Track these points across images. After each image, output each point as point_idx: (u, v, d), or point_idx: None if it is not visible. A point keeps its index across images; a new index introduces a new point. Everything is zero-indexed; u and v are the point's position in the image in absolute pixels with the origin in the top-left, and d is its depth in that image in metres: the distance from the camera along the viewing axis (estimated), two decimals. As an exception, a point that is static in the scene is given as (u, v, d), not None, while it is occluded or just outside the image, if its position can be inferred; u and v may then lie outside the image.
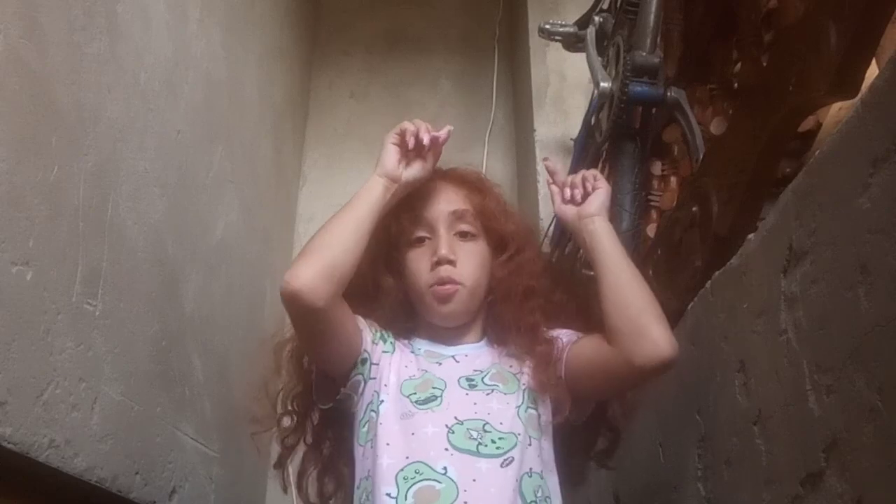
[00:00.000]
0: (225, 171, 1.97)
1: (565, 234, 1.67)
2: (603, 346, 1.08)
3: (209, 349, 1.81)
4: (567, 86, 2.54)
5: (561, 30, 2.27)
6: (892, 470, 0.73)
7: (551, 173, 1.24)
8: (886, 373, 0.74)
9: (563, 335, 1.16)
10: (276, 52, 2.55)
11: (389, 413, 1.09)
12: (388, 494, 1.02)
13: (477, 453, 1.05)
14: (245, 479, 2.09)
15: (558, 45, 2.33)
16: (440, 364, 1.15)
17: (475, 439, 1.06)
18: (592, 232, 1.15)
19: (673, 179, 1.72)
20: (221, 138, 1.95)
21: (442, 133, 1.14)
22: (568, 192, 1.20)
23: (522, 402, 1.11)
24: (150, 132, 1.51)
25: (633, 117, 1.76)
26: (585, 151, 2.01)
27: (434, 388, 1.11)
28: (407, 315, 1.21)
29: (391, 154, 1.13)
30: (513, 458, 1.05)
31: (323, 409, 1.19)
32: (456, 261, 1.16)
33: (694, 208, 1.31)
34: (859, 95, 0.90)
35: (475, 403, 1.10)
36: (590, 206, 1.17)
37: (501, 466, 1.04)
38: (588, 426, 1.20)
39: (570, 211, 1.19)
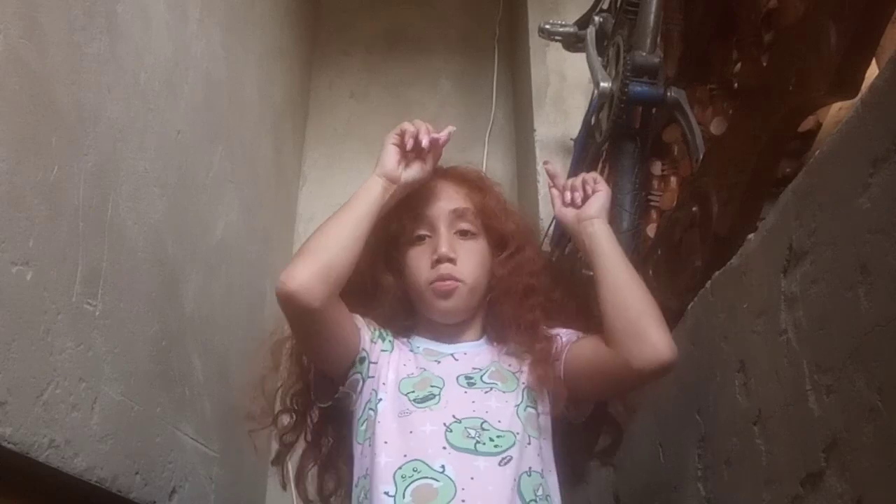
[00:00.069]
0: (225, 171, 1.97)
1: (565, 235, 1.67)
2: (602, 347, 1.08)
3: (209, 349, 1.81)
4: (567, 86, 2.54)
5: (561, 30, 2.27)
6: (892, 470, 0.73)
7: (552, 176, 1.25)
8: (886, 373, 0.74)
9: (563, 334, 1.16)
10: (276, 52, 2.55)
11: (387, 411, 1.09)
12: (387, 493, 1.02)
13: (475, 451, 1.05)
14: (245, 479, 2.09)
15: (558, 45, 2.33)
16: (439, 362, 1.15)
17: (473, 438, 1.06)
18: (592, 234, 1.15)
19: (673, 179, 1.71)
20: (221, 138, 1.95)
21: (442, 135, 1.14)
22: (568, 195, 1.20)
23: (522, 401, 1.11)
24: (150, 132, 1.51)
25: (633, 117, 1.75)
26: (585, 151, 2.01)
27: (432, 386, 1.11)
28: (406, 313, 1.21)
29: (391, 154, 1.13)
30: (511, 457, 1.05)
31: (322, 408, 1.19)
32: (456, 259, 1.16)
33: (694, 208, 1.31)
34: (859, 95, 0.90)
35: (473, 402, 1.10)
36: (589, 209, 1.17)
37: (499, 465, 1.04)
38: (589, 424, 1.20)
39: (569, 213, 1.20)
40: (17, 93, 1.08)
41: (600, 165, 1.93)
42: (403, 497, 1.02)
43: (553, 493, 1.09)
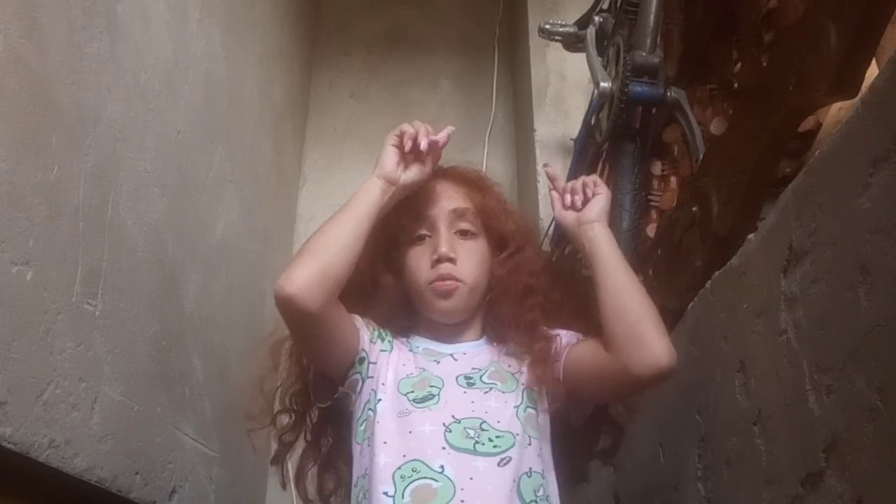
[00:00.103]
0: (225, 171, 1.97)
1: (565, 235, 1.67)
2: (601, 351, 1.08)
3: (209, 349, 1.81)
4: (567, 86, 2.54)
5: (561, 30, 2.27)
6: (892, 470, 0.73)
7: (552, 179, 1.24)
8: (886, 373, 0.74)
9: (563, 335, 1.16)
10: (276, 52, 2.55)
11: (387, 411, 1.09)
12: (386, 493, 1.02)
13: (474, 452, 1.05)
14: (245, 479, 2.09)
15: (558, 45, 2.33)
16: (438, 362, 1.15)
17: (472, 438, 1.06)
18: (592, 238, 1.14)
19: (673, 179, 1.71)
20: (221, 138, 1.95)
21: (441, 137, 1.14)
22: (568, 198, 1.20)
23: (521, 402, 1.11)
24: (150, 132, 1.51)
25: (633, 117, 1.75)
26: (585, 151, 2.01)
27: (432, 386, 1.11)
28: (406, 313, 1.21)
29: (390, 156, 1.13)
30: (510, 458, 1.05)
31: (321, 408, 1.19)
32: (456, 258, 1.16)
33: (694, 208, 1.31)
34: (859, 95, 0.90)
35: (473, 402, 1.10)
36: (589, 212, 1.17)
37: (499, 465, 1.04)
38: (590, 425, 1.20)
39: (569, 217, 1.19)
40: (17, 93, 1.08)
41: (600, 165, 1.93)
42: (402, 497, 1.02)
43: (552, 493, 1.09)
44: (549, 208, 1.92)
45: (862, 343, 0.78)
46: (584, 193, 1.19)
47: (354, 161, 2.79)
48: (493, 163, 2.86)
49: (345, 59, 3.14)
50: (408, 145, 1.12)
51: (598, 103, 1.83)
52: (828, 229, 0.87)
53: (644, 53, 1.68)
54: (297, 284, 1.02)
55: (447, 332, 1.19)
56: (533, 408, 1.12)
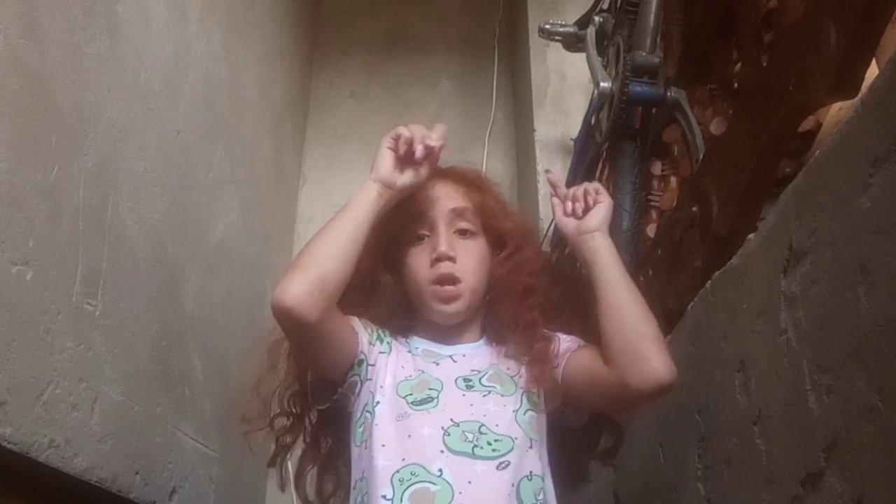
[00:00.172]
0: (225, 171, 1.97)
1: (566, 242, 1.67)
2: (600, 363, 1.07)
3: (209, 349, 1.81)
4: (567, 86, 2.54)
5: (561, 30, 2.27)
6: (892, 470, 0.73)
7: (553, 185, 1.23)
8: (886, 373, 0.74)
9: (563, 340, 1.15)
10: (276, 52, 2.55)
11: (385, 414, 1.08)
12: (384, 496, 1.02)
13: (472, 455, 1.04)
14: (245, 479, 2.09)
15: (558, 45, 2.33)
16: (437, 364, 1.15)
17: (471, 441, 1.05)
18: (592, 249, 1.13)
19: (673, 179, 1.71)
20: (221, 138, 1.95)
21: (436, 143, 1.12)
22: (569, 205, 1.19)
23: (521, 406, 1.11)
24: (150, 132, 1.51)
25: (633, 117, 1.75)
26: (585, 151, 2.01)
27: (430, 388, 1.11)
28: (405, 313, 1.21)
29: (386, 159, 1.12)
30: (509, 462, 1.04)
31: (320, 410, 1.19)
32: (456, 257, 1.15)
33: (694, 208, 1.31)
34: (859, 95, 0.90)
35: (472, 405, 1.09)
36: (590, 221, 1.16)
37: (497, 469, 1.04)
38: (590, 426, 1.20)
39: (570, 224, 1.18)
40: (17, 93, 1.08)
41: (600, 165, 1.93)
42: (401, 501, 1.01)
43: (550, 496, 1.09)
44: (549, 209, 1.92)
45: (862, 343, 0.78)
46: (586, 201, 1.18)
47: (354, 161, 2.79)
48: (493, 163, 2.86)
49: (345, 59, 3.14)
50: (402, 149, 1.12)
51: (598, 103, 1.83)
52: (828, 229, 0.87)
53: (644, 53, 1.68)
54: (295, 295, 1.01)
55: (447, 332, 1.19)
56: (533, 410, 1.11)
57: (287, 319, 1.02)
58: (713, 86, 1.59)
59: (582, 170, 2.00)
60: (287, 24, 2.70)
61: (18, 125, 1.08)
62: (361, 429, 1.10)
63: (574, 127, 2.25)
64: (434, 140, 1.12)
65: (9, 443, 1.04)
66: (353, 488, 1.09)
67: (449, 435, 1.06)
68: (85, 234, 1.24)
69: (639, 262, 1.57)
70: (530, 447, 1.08)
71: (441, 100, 3.05)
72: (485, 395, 1.11)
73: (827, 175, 0.88)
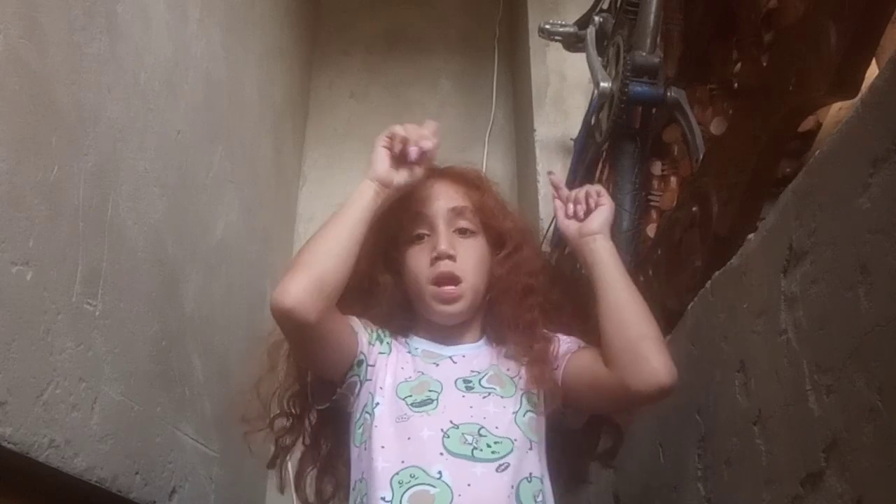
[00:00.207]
0: (225, 171, 1.97)
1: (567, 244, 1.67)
2: (600, 365, 1.07)
3: (209, 349, 1.81)
4: (567, 86, 2.54)
5: (561, 30, 2.27)
6: (892, 470, 0.73)
7: (556, 187, 1.23)
8: (886, 373, 0.74)
9: (563, 341, 1.15)
10: (276, 52, 2.55)
11: (384, 415, 1.08)
12: (384, 498, 1.02)
13: (472, 458, 1.04)
14: (245, 479, 2.09)
15: (558, 45, 2.33)
16: (437, 365, 1.15)
17: (470, 444, 1.05)
18: (593, 251, 1.13)
19: (673, 179, 1.71)
20: (221, 138, 1.95)
21: (428, 145, 1.11)
22: (571, 207, 1.19)
23: (520, 407, 1.11)
24: (150, 132, 1.51)
25: (633, 117, 1.75)
26: (585, 151, 2.01)
27: (430, 390, 1.11)
28: (405, 313, 1.21)
29: (382, 158, 1.12)
30: (509, 464, 1.04)
31: (320, 411, 1.19)
32: (456, 256, 1.15)
33: (694, 208, 1.31)
34: (859, 95, 0.90)
35: (471, 407, 1.09)
36: (591, 224, 1.16)
37: (497, 471, 1.04)
38: (590, 427, 1.20)
39: (572, 227, 1.18)
40: (17, 93, 1.08)
41: (600, 165, 1.93)
42: (400, 503, 1.02)
43: (549, 497, 1.09)
44: (549, 208, 1.92)
45: (862, 343, 0.78)
46: (587, 203, 1.18)
47: (354, 161, 2.78)
48: (493, 163, 2.86)
49: (345, 59, 3.14)
50: (397, 148, 1.11)
51: (598, 103, 1.83)
52: (828, 229, 0.87)
53: (644, 53, 1.68)
54: (294, 297, 1.00)
55: (447, 333, 1.19)
56: (533, 412, 1.11)
57: (287, 320, 1.02)
58: (713, 86, 1.59)
59: (582, 170, 2.00)
60: (287, 24, 2.70)
61: (18, 125, 1.08)
62: (361, 429, 1.10)
63: (574, 127, 2.25)
64: (428, 142, 1.12)
65: (9, 443, 1.04)
66: (353, 489, 1.09)
67: (448, 437, 1.06)
68: (85, 234, 1.24)
69: (639, 262, 1.57)
70: (530, 449, 1.08)
71: (441, 100, 3.05)
72: (484, 397, 1.11)
73: (827, 175, 0.88)
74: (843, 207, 0.83)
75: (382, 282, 1.19)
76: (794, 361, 0.91)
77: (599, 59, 1.91)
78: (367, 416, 1.09)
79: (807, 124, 1.23)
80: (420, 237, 1.18)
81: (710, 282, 1.19)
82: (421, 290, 1.17)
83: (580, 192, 1.19)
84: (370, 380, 1.12)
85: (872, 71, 0.96)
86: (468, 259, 1.17)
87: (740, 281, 1.09)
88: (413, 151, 1.11)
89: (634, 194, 1.71)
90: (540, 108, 2.53)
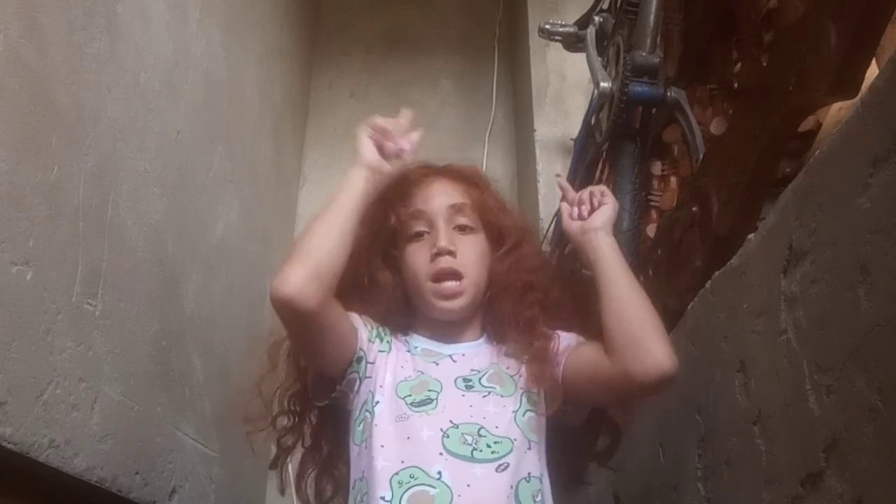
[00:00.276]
0: (225, 171, 1.97)
1: (565, 236, 1.67)
2: (602, 357, 1.07)
3: (209, 349, 1.81)
4: (567, 86, 2.54)
5: (561, 30, 2.27)
6: (892, 470, 0.73)
7: (563, 190, 1.25)
8: (886, 373, 0.74)
9: (563, 337, 1.15)
10: (276, 52, 2.55)
11: (384, 414, 1.08)
12: (383, 498, 1.02)
13: (472, 458, 1.04)
14: (245, 479, 2.09)
15: (558, 45, 2.33)
16: (437, 364, 1.15)
17: (470, 444, 1.05)
18: (596, 247, 1.14)
19: (673, 179, 1.71)
20: (221, 138, 1.95)
21: (407, 144, 1.14)
22: (576, 210, 1.20)
23: (520, 407, 1.11)
24: (150, 132, 1.51)
25: (633, 117, 1.75)
26: (585, 151, 2.01)
27: (430, 390, 1.11)
28: (404, 311, 1.21)
29: (370, 146, 1.13)
30: (508, 464, 1.04)
31: (321, 409, 1.19)
32: (456, 252, 1.16)
33: (694, 208, 1.31)
34: (859, 95, 0.90)
35: (471, 406, 1.09)
36: (594, 221, 1.17)
37: (497, 471, 1.04)
38: (588, 426, 1.20)
39: (575, 226, 1.19)
40: (17, 93, 1.08)
41: (600, 165, 1.93)
42: (400, 503, 1.02)
43: (548, 497, 1.09)
44: (549, 208, 1.92)
45: (862, 343, 0.78)
46: (591, 203, 1.19)
47: (354, 161, 2.78)
48: (493, 163, 2.86)
49: (345, 59, 3.14)
50: (378, 139, 1.14)
51: (598, 103, 1.83)
52: (828, 229, 0.87)
53: (644, 53, 1.68)
54: (293, 285, 1.01)
55: (447, 331, 1.19)
56: (532, 411, 1.11)
57: (287, 309, 1.03)
58: (713, 86, 1.59)
59: (582, 170, 2.00)
60: (287, 24, 2.70)
61: (18, 125, 1.08)
62: (361, 427, 1.10)
63: (574, 127, 2.25)
64: (407, 144, 1.14)
65: (9, 443, 1.04)
66: (352, 488, 1.09)
67: (448, 437, 1.06)
68: (85, 234, 1.24)
69: (639, 262, 1.57)
70: (529, 448, 1.08)
71: (441, 100, 3.05)
72: (484, 396, 1.11)
73: (827, 175, 0.88)
74: (843, 207, 0.83)
75: (382, 280, 1.19)
76: (794, 361, 0.91)
77: (599, 59, 1.91)
78: (368, 414, 1.10)
79: (807, 124, 1.23)
80: (419, 234, 1.19)
81: (710, 282, 1.19)
82: (421, 287, 1.17)
83: (584, 193, 1.21)
84: (370, 377, 1.12)
85: (872, 71, 0.96)
86: (468, 255, 1.17)
87: (740, 281, 1.09)
88: (393, 149, 1.13)
89: (634, 194, 1.71)
90: (540, 108, 2.53)
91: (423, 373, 1.13)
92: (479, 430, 1.07)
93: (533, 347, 1.13)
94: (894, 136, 0.75)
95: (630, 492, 1.47)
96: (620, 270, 1.12)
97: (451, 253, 1.15)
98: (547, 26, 2.30)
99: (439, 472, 1.03)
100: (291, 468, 1.23)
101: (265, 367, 1.18)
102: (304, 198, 2.89)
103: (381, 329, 1.17)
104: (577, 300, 1.20)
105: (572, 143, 2.19)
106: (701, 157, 1.48)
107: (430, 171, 1.22)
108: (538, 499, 1.06)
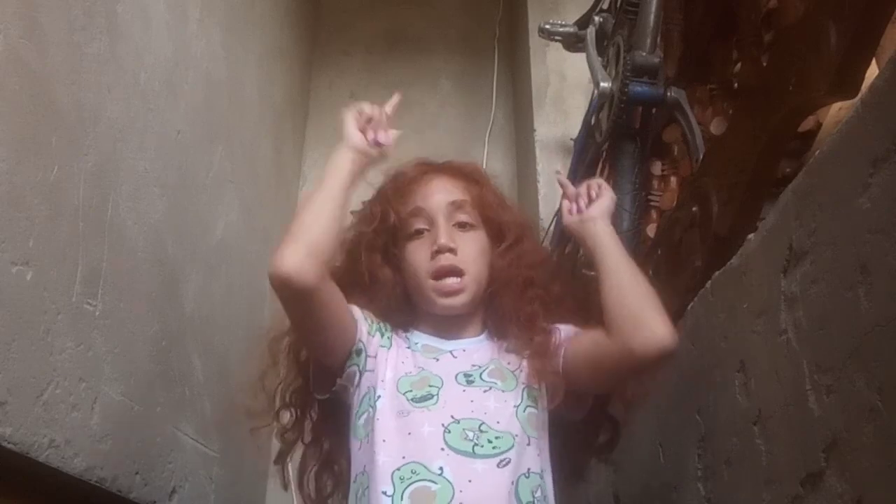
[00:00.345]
0: (225, 171, 1.97)
1: (566, 235, 1.67)
2: (602, 338, 1.08)
3: (209, 349, 1.81)
4: (567, 86, 2.54)
5: (561, 30, 2.27)
6: (892, 470, 0.73)
7: (563, 186, 1.26)
8: (886, 373, 0.74)
9: (563, 329, 1.16)
10: (276, 52, 2.55)
11: (386, 409, 1.09)
12: (385, 492, 1.03)
13: (473, 454, 1.05)
14: (245, 479, 2.09)
15: (558, 45, 2.33)
16: (437, 360, 1.15)
17: (471, 440, 1.06)
18: (594, 234, 1.15)
19: (673, 179, 1.72)
20: (221, 138, 1.95)
21: (385, 137, 1.15)
22: (575, 205, 1.21)
23: (521, 402, 1.11)
24: (150, 132, 1.51)
25: (633, 117, 1.76)
26: (585, 151, 2.01)
27: (431, 385, 1.11)
28: (405, 308, 1.21)
29: (356, 130, 1.15)
30: (509, 460, 1.05)
31: (322, 404, 1.19)
32: (457, 249, 1.16)
33: (694, 208, 1.31)
34: (859, 95, 0.90)
35: (472, 401, 1.09)
36: (592, 211, 1.18)
37: (498, 467, 1.04)
38: (589, 420, 1.20)
39: (574, 219, 1.20)
40: (17, 93, 1.08)
41: (600, 165, 1.93)
42: (401, 499, 1.02)
43: (549, 493, 1.09)
44: (549, 208, 1.92)
45: (862, 343, 0.78)
46: (589, 195, 1.20)
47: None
48: (493, 163, 2.86)
49: (345, 59, 3.14)
50: (362, 125, 1.14)
51: (598, 103, 1.83)
52: (828, 229, 0.87)
53: (644, 53, 1.68)
54: (290, 261, 1.03)
55: (448, 327, 1.19)
56: (533, 406, 1.12)
57: (286, 286, 1.04)
58: (713, 86, 1.59)
59: (582, 170, 2.00)
60: (287, 24, 2.70)
61: (18, 125, 1.08)
62: (363, 421, 1.10)
63: (574, 127, 2.25)
64: (385, 138, 1.15)
65: (9, 443, 1.04)
66: (354, 481, 1.09)
67: (449, 432, 1.06)
68: (85, 234, 1.24)
69: (639, 262, 1.56)
70: (528, 444, 1.08)
71: (441, 100, 3.05)
72: (485, 391, 1.11)
73: (827, 175, 0.88)
74: (843, 207, 0.83)
75: (382, 277, 1.19)
76: (794, 361, 0.91)
77: (599, 59, 1.91)
78: (370, 408, 1.10)
79: (807, 124, 1.23)
80: (419, 232, 1.19)
81: (710, 282, 1.19)
82: (421, 284, 1.17)
83: (581, 187, 1.22)
84: (371, 371, 1.12)
85: (872, 71, 0.96)
86: (469, 252, 1.17)
87: (740, 281, 1.09)
88: (372, 139, 1.14)
89: (634, 194, 1.71)
90: (540, 108, 2.53)
91: (423, 369, 1.13)
92: (481, 425, 1.07)
93: (533, 343, 1.14)
94: (894, 136, 0.75)
95: (630, 492, 1.47)
96: (620, 257, 1.13)
97: (452, 250, 1.16)
98: (547, 26, 2.30)
99: (441, 468, 1.03)
100: (292, 464, 1.23)
101: (266, 363, 1.18)
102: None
103: (381, 325, 1.17)
104: (577, 296, 1.21)
105: (572, 143, 2.19)
106: (701, 157, 1.48)
107: (430, 168, 1.22)
108: (538, 495, 1.06)
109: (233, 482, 1.96)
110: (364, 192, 1.27)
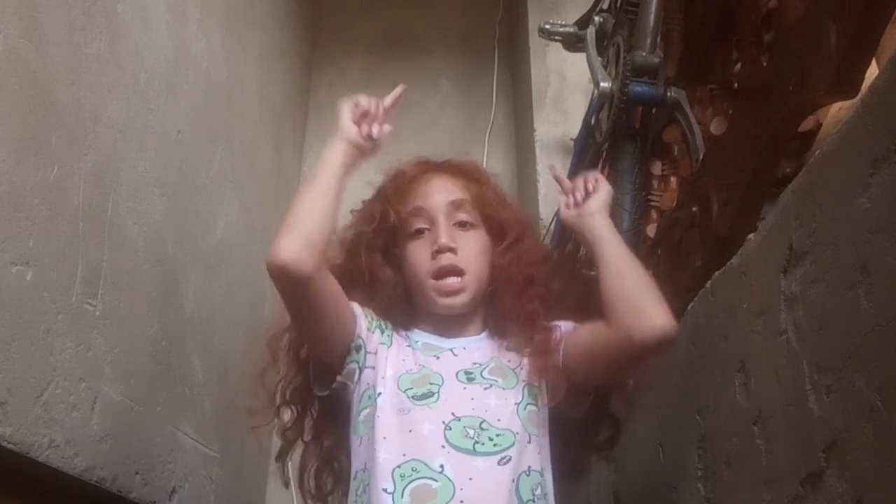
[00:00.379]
0: (225, 171, 1.97)
1: (566, 235, 1.67)
2: (601, 329, 1.09)
3: (209, 349, 1.81)
4: (567, 86, 2.54)
5: (561, 30, 2.27)
6: (892, 470, 0.73)
7: (559, 181, 1.26)
8: (886, 373, 0.74)
9: (562, 325, 1.16)
10: (276, 52, 2.55)
11: (387, 406, 1.09)
12: (385, 490, 1.03)
13: (473, 452, 1.05)
14: (245, 479, 2.09)
15: (558, 45, 2.33)
16: (438, 358, 1.15)
17: (472, 438, 1.06)
18: (592, 228, 1.15)
19: (673, 179, 1.71)
20: (221, 138, 1.95)
21: (378, 131, 1.15)
22: (571, 198, 1.21)
23: (522, 399, 1.11)
24: (150, 132, 1.51)
25: (633, 117, 1.76)
26: (585, 151, 2.01)
27: (431, 383, 1.11)
28: (406, 307, 1.21)
29: (350, 121, 1.15)
30: (510, 457, 1.05)
31: (322, 402, 1.19)
32: (457, 248, 1.16)
33: (694, 208, 1.31)
34: (859, 95, 0.90)
35: (473, 399, 1.10)
36: (589, 205, 1.18)
37: (498, 464, 1.04)
38: (589, 417, 1.20)
39: (572, 213, 1.20)
40: (17, 93, 1.08)
41: (600, 165, 1.93)
42: (402, 497, 1.02)
43: (550, 491, 1.09)
44: (549, 208, 1.92)
45: (862, 343, 0.78)
46: (585, 188, 1.20)
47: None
48: (493, 163, 2.86)
49: (345, 59, 3.14)
50: (358, 117, 1.15)
51: (598, 103, 1.83)
52: (828, 229, 0.87)
53: (644, 53, 1.68)
54: (287, 251, 1.04)
55: (449, 325, 1.19)
56: (534, 404, 1.12)
57: (284, 276, 1.04)
58: (713, 86, 1.59)
59: (582, 170, 1.99)
60: (287, 24, 2.70)
61: (18, 125, 1.08)
62: (363, 417, 1.11)
63: (574, 127, 2.25)
64: (377, 131, 1.15)
65: (9, 443, 1.04)
66: (354, 478, 1.10)
67: (450, 430, 1.06)
68: (85, 234, 1.24)
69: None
70: (529, 442, 1.08)
71: (441, 100, 3.05)
72: (486, 389, 1.11)
73: (827, 175, 0.88)
74: (843, 207, 0.83)
75: (383, 277, 1.20)
76: (794, 361, 0.91)
77: (599, 59, 1.91)
78: (371, 405, 1.10)
79: (807, 124, 1.23)
80: (420, 231, 1.19)
81: (710, 282, 1.19)
82: (422, 284, 1.17)
83: (578, 180, 1.22)
84: (371, 367, 1.12)
85: (872, 71, 0.96)
86: (469, 251, 1.17)
87: (740, 281, 1.09)
88: (365, 131, 1.15)
89: (634, 194, 1.71)
90: (540, 108, 2.53)
91: (424, 366, 1.13)
92: (481, 423, 1.07)
93: (534, 341, 1.14)
94: (894, 136, 0.75)
95: (630, 491, 1.47)
96: (619, 247, 1.13)
97: (452, 250, 1.16)
98: (547, 26, 2.30)
99: (441, 466, 1.03)
100: (292, 462, 1.23)
101: (266, 360, 1.19)
102: (304, 198, 2.88)
103: (382, 322, 1.17)
104: (578, 294, 1.21)
105: (572, 143, 2.19)
106: (701, 157, 1.48)
107: (430, 167, 1.22)
108: (538, 492, 1.06)
109: (233, 482, 1.96)
110: (364, 192, 1.27)
